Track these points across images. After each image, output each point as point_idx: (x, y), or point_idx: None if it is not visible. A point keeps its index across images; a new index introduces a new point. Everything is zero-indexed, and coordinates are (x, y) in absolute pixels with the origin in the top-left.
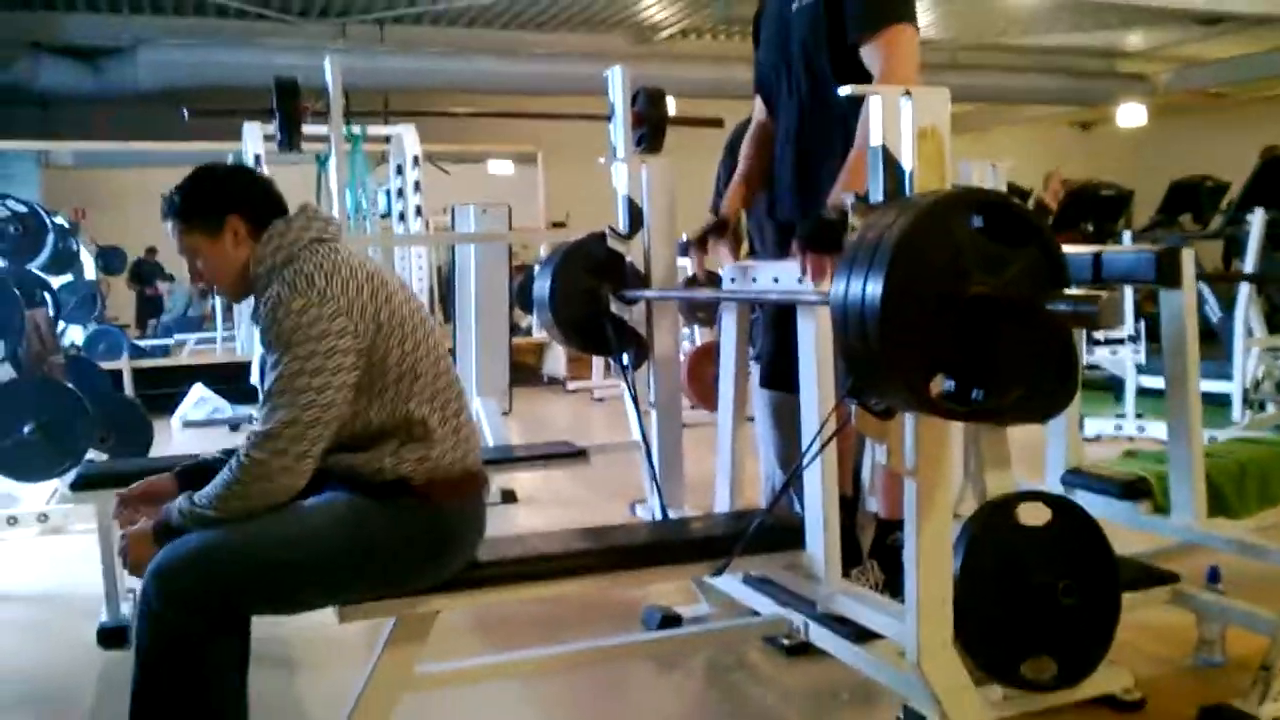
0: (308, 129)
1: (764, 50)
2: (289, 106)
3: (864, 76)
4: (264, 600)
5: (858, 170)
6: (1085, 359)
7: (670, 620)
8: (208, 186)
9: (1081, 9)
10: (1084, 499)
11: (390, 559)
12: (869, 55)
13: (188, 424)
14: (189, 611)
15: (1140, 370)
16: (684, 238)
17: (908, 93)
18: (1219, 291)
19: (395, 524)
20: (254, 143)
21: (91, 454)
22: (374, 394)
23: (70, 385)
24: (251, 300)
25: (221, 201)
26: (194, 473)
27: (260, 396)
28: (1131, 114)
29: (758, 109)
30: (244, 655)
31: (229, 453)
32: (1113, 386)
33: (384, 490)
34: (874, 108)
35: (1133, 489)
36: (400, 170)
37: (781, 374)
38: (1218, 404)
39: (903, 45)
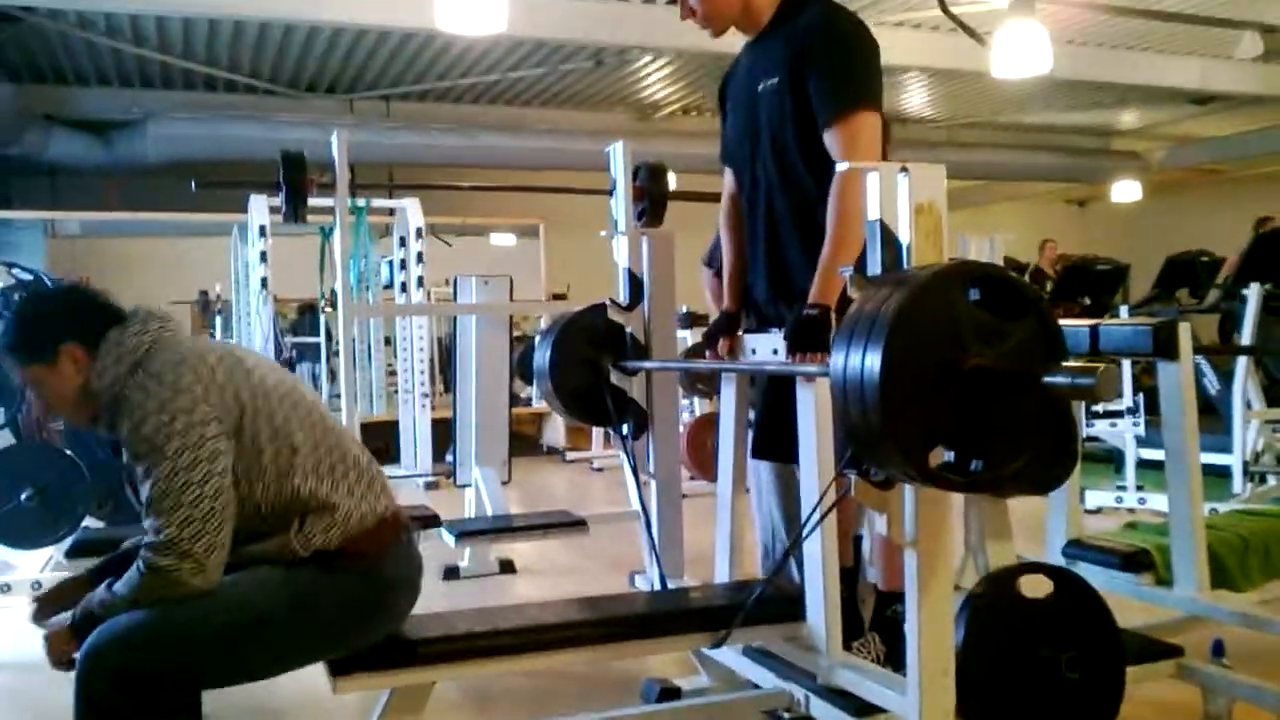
0: (313, 201)
1: (731, 127)
2: (295, 179)
3: (829, 160)
4: (208, 671)
5: (829, 279)
6: (1085, 431)
7: (670, 693)
8: (34, 321)
9: (1075, 88)
10: (1086, 571)
11: (331, 615)
12: (830, 141)
13: None
14: (130, 691)
15: (1140, 442)
16: (683, 309)
17: (904, 169)
18: (1217, 364)
19: (330, 583)
20: (260, 214)
21: (89, 521)
22: (255, 476)
23: (69, 452)
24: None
25: (52, 332)
26: (112, 567)
27: (142, 509)
28: (1126, 190)
29: (727, 181)
30: None
31: (125, 557)
32: (1113, 458)
33: (308, 562)
34: (871, 183)
35: (1134, 561)
36: (404, 242)
37: (771, 444)
38: (1218, 476)
39: (863, 133)
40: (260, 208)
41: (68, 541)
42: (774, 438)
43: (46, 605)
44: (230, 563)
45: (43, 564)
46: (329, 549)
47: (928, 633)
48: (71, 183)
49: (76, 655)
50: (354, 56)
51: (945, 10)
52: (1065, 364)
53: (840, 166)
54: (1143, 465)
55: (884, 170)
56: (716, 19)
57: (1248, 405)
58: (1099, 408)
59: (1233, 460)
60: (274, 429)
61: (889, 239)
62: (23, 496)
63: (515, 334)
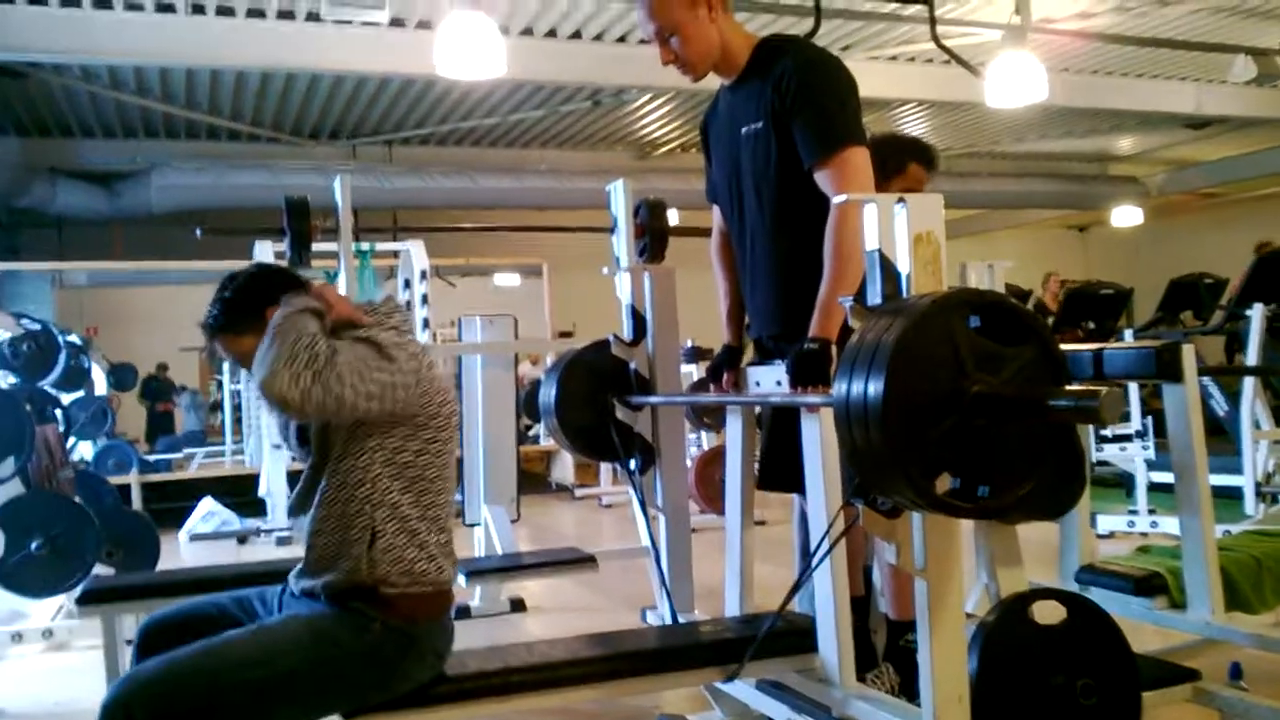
0: (318, 246)
1: (715, 167)
2: (300, 224)
3: (815, 197)
4: None
5: (829, 312)
6: (1095, 455)
7: None
8: (243, 295)
9: (1071, 116)
10: (1098, 596)
11: (357, 673)
12: (823, 180)
13: (195, 537)
14: None
15: (1150, 466)
16: (689, 343)
17: (901, 199)
18: (1225, 386)
19: (360, 638)
20: (265, 260)
21: (99, 569)
22: (389, 471)
23: (78, 500)
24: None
25: (259, 301)
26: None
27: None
28: (1126, 215)
29: (716, 219)
30: None
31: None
32: (1124, 483)
33: (351, 596)
34: (869, 214)
35: (1147, 585)
36: (408, 284)
37: (777, 475)
38: (1230, 498)
39: (855, 167)
40: (265, 254)
41: (79, 589)
42: (780, 469)
43: None
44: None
45: (54, 612)
46: (383, 587)
47: (940, 660)
48: (78, 234)
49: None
50: (356, 103)
51: (938, 43)
52: (1068, 388)
53: (836, 200)
54: (1154, 489)
55: (881, 201)
56: (698, 64)
57: (1256, 425)
58: (1108, 432)
59: (1244, 482)
60: (445, 461)
61: (888, 269)
62: (33, 545)
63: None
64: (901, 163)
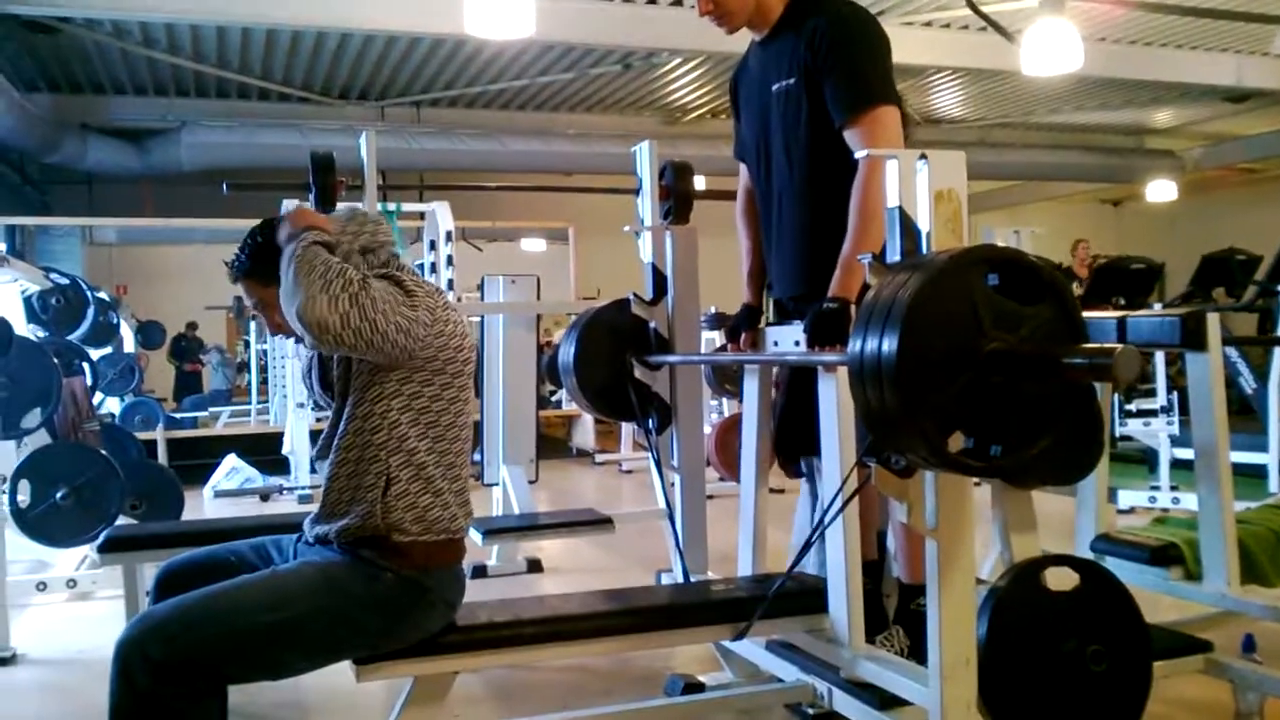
0: (343, 204)
1: (745, 125)
2: (324, 180)
3: (845, 157)
4: (240, 666)
5: (849, 272)
6: (1119, 430)
7: (693, 688)
8: (270, 245)
9: (1108, 87)
10: (1113, 565)
11: (368, 621)
12: (852, 138)
13: (219, 493)
14: (165, 680)
15: (1174, 442)
16: (711, 310)
17: (923, 155)
18: (1254, 364)
19: (372, 586)
20: None
21: (122, 520)
22: (408, 417)
23: (103, 452)
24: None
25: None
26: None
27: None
28: (1161, 190)
29: (743, 177)
30: (223, 715)
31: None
32: (1147, 458)
33: (363, 544)
34: (890, 170)
35: (1163, 555)
36: (433, 245)
37: (793, 438)
38: (1255, 476)
39: (886, 126)
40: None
41: (101, 539)
42: (796, 431)
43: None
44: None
45: (78, 562)
46: (396, 541)
47: (949, 621)
48: (108, 190)
49: None
50: (385, 63)
51: (975, 9)
52: (1083, 345)
53: (860, 153)
54: (1177, 465)
55: (903, 157)
56: (738, 12)
57: None
58: (1132, 407)
59: (1270, 460)
60: (447, 398)
61: (908, 226)
62: (58, 495)
63: (545, 338)
64: None
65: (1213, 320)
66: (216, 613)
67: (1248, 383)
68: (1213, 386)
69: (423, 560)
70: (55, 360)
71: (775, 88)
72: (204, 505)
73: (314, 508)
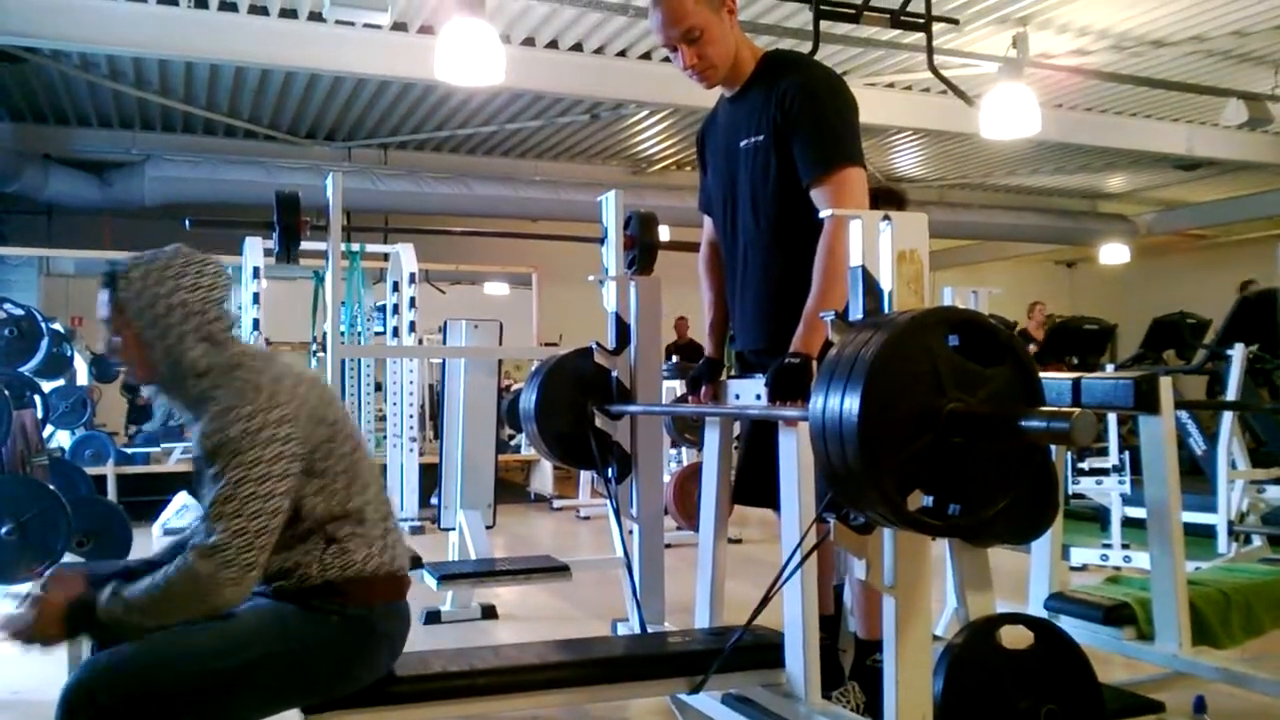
0: (308, 245)
1: (711, 179)
2: (289, 219)
3: (810, 214)
4: (191, 714)
5: (812, 328)
6: (1071, 488)
7: None
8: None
9: (1064, 152)
10: (1067, 624)
11: (318, 663)
12: (819, 197)
13: (168, 531)
14: None
15: (1126, 500)
16: (673, 359)
17: (887, 217)
18: (1204, 426)
19: (321, 629)
20: (254, 256)
21: (69, 557)
22: (321, 499)
23: (51, 487)
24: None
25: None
26: (116, 577)
27: (202, 502)
28: (1114, 253)
29: (706, 229)
30: None
31: (152, 564)
32: (1099, 516)
33: (309, 594)
34: (854, 230)
35: (1116, 614)
36: (396, 287)
37: (753, 490)
38: (1204, 536)
39: (852, 187)
40: (255, 249)
41: (46, 575)
42: (756, 483)
43: (53, 580)
44: None
45: (20, 599)
46: (338, 583)
47: (905, 679)
48: (68, 222)
49: (41, 643)
50: (353, 105)
51: (936, 73)
52: (1042, 409)
53: (825, 212)
54: (1128, 524)
55: (867, 218)
56: (721, 65)
57: (1232, 465)
58: (1085, 465)
59: (1218, 520)
60: (350, 462)
61: (871, 285)
62: (3, 530)
63: (505, 383)
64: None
65: (1165, 384)
66: (168, 658)
67: (1197, 444)
68: (1165, 448)
69: (366, 598)
70: (6, 392)
71: (744, 144)
72: (153, 543)
73: None
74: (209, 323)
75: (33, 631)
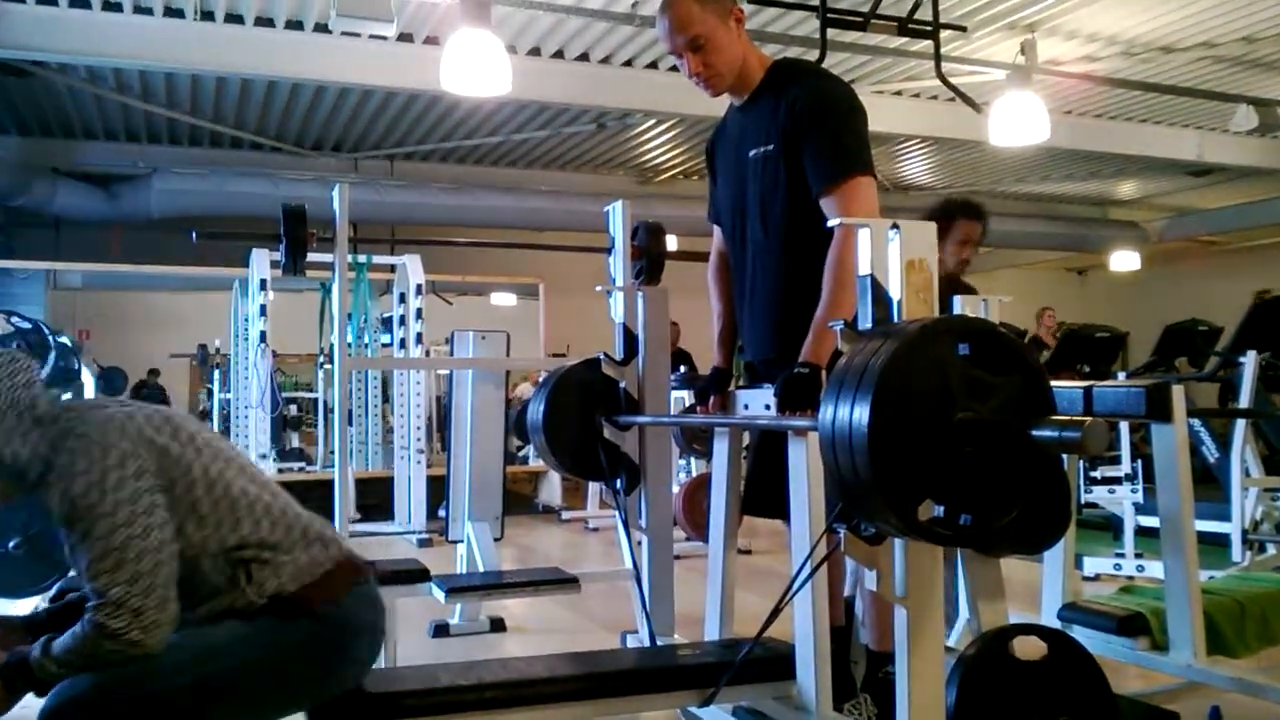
0: (315, 256)
1: (721, 188)
2: (296, 231)
3: (819, 223)
4: None
5: (821, 337)
6: (1084, 497)
7: None
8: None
9: (1073, 158)
10: (1080, 634)
11: (293, 665)
12: (828, 206)
13: None
14: None
15: (1139, 509)
16: (681, 369)
17: (895, 225)
18: (1217, 433)
19: (289, 632)
20: (261, 268)
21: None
22: (194, 526)
23: None
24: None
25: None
26: (58, 615)
27: (82, 574)
28: (1125, 260)
29: (716, 239)
30: None
31: (53, 613)
32: (1111, 525)
33: (268, 610)
34: (863, 239)
35: (1130, 625)
36: (403, 298)
37: (762, 500)
38: (1217, 545)
39: (861, 196)
40: (261, 261)
41: (54, 590)
42: (765, 494)
43: None
44: (184, 624)
45: (29, 613)
46: (284, 594)
47: (918, 690)
48: (75, 235)
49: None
50: (359, 116)
51: (944, 80)
52: (1053, 418)
53: (833, 222)
54: (1141, 532)
55: (876, 227)
56: (726, 74)
57: (1246, 473)
58: (1097, 474)
59: (1231, 529)
60: (210, 479)
61: (880, 295)
62: (10, 545)
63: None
64: (949, 218)
65: (1178, 392)
66: (139, 678)
67: (1210, 452)
68: (1178, 457)
69: (325, 594)
70: None
71: (753, 153)
72: None
73: None
74: (31, 408)
75: None
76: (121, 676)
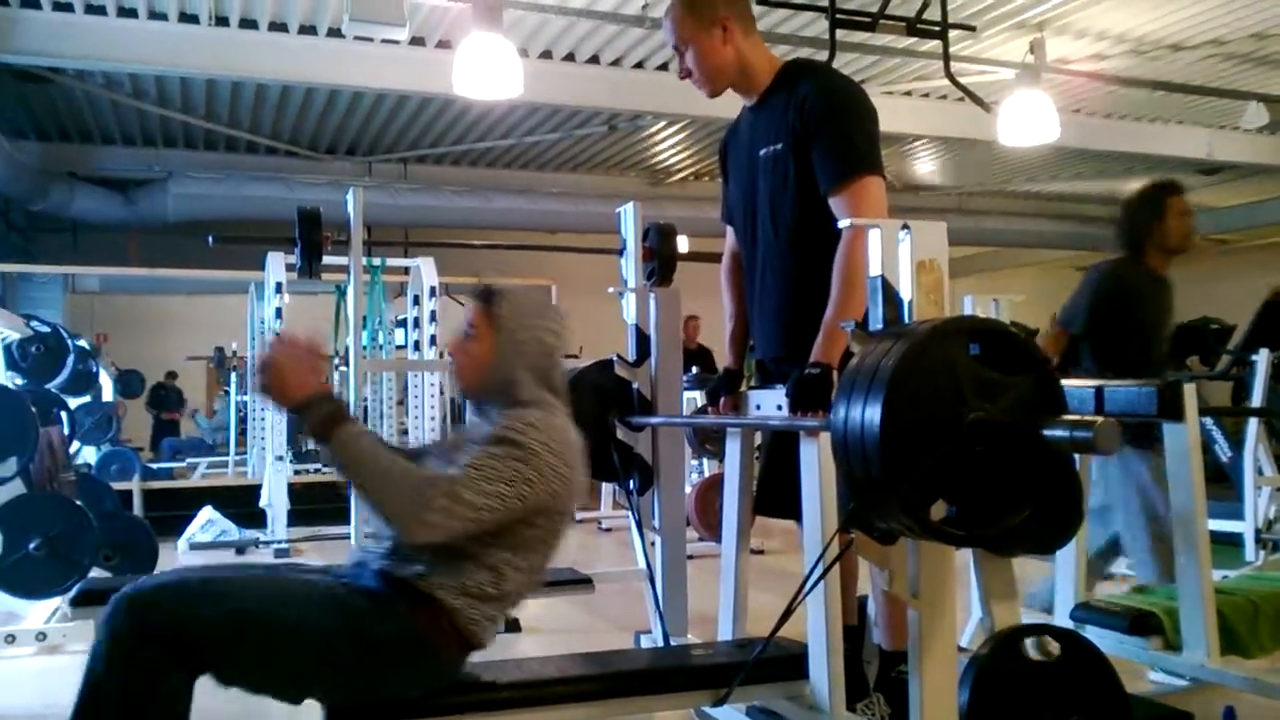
0: (329, 259)
1: (733, 188)
2: (311, 235)
3: (830, 223)
4: (228, 654)
5: (832, 338)
6: None
7: None
8: None
9: (1083, 157)
10: (1093, 634)
11: (350, 653)
12: (838, 206)
13: (194, 546)
14: (153, 641)
15: None
16: (693, 369)
17: (906, 226)
18: (1229, 431)
19: (374, 625)
20: (276, 271)
21: (96, 572)
22: (525, 534)
23: (78, 502)
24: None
25: None
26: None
27: (458, 465)
28: None
29: (729, 239)
30: (187, 704)
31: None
32: None
33: (394, 588)
34: (873, 240)
35: (1143, 624)
36: (417, 301)
37: (772, 501)
38: (1230, 544)
39: (871, 196)
40: (277, 264)
41: (74, 591)
42: (777, 494)
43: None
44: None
45: (49, 615)
46: (453, 618)
47: (931, 690)
48: (92, 239)
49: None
50: (373, 120)
51: (953, 80)
52: (1064, 417)
53: (843, 223)
54: None
55: (886, 228)
56: (715, 79)
57: (1259, 471)
58: None
59: (1245, 528)
60: (557, 532)
61: (890, 295)
62: (31, 546)
63: None
64: (1159, 203)
65: (1190, 391)
66: (222, 591)
67: (1223, 451)
68: (1190, 456)
69: (437, 635)
70: (33, 409)
71: (763, 153)
72: (178, 557)
73: (290, 561)
74: (546, 372)
75: (280, 367)
76: (213, 586)
